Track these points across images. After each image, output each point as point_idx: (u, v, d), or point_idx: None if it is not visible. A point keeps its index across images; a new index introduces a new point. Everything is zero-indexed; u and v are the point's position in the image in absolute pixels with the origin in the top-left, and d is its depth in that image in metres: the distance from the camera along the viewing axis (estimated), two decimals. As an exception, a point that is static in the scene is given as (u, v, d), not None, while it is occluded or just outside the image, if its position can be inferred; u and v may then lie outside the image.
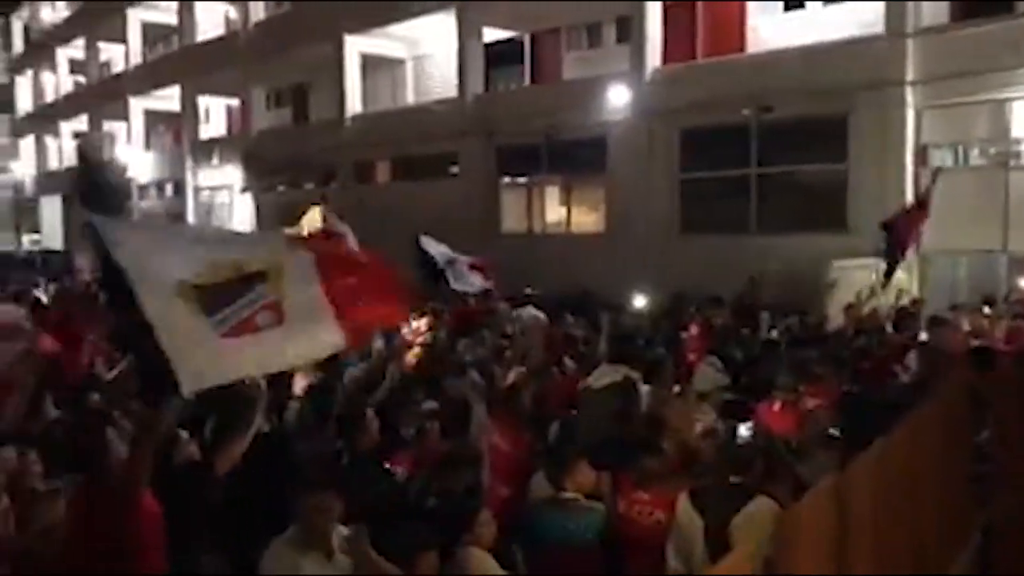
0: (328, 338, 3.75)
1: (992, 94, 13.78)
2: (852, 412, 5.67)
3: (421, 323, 9.15)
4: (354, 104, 25.11)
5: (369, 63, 25.19)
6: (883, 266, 10.04)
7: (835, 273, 12.53)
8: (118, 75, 36.85)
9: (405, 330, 8.34)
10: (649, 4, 18.20)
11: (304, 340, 3.67)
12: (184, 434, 4.62)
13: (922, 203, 10.80)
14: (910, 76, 14.60)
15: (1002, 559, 3.29)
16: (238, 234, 5.69)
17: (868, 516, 2.36)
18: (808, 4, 17.81)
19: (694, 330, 9.68)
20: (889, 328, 9.40)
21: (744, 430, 4.90)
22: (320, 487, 3.89)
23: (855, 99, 14.95)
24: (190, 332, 3.35)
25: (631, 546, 4.52)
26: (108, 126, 39.23)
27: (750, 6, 18.55)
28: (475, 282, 10.31)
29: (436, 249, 10.33)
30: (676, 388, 7.12)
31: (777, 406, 6.48)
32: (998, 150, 14.30)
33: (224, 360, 3.41)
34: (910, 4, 14.66)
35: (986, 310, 10.46)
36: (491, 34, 22.33)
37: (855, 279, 11.26)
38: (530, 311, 11.33)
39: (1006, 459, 3.62)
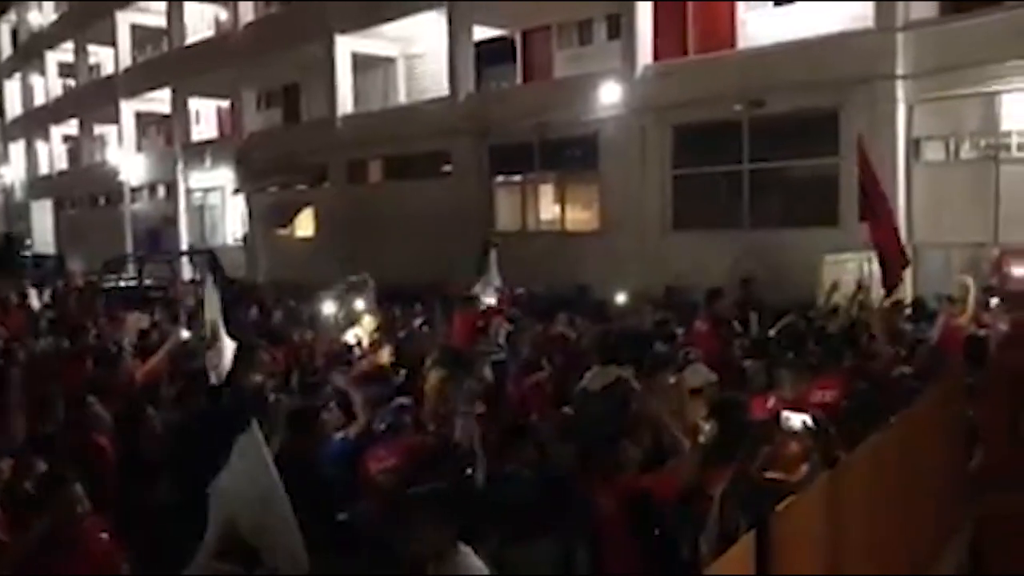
0: None
1: (982, 87, 13.83)
2: (862, 406, 5.68)
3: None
4: (345, 104, 25.08)
5: (360, 63, 25.16)
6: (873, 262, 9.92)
7: (827, 267, 12.57)
8: (108, 78, 36.73)
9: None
10: (639, 1, 18.21)
11: None
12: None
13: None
14: (900, 70, 14.64)
15: (992, 552, 3.31)
16: None
17: (861, 513, 2.38)
18: (798, -1, 17.85)
19: (702, 326, 9.56)
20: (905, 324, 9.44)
21: (797, 420, 4.85)
22: None
23: (846, 93, 14.98)
24: None
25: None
26: (98, 129, 39.15)
27: (740, 1, 18.57)
28: None
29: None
30: (672, 380, 7.15)
31: (771, 401, 6.49)
32: (988, 143, 14.35)
33: None
34: (900, -3, 14.71)
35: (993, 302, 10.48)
36: (482, 32, 22.32)
37: (847, 272, 11.30)
38: None
39: (997, 451, 3.64)
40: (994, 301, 10.46)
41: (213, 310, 7.37)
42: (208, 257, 6.84)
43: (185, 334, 9.01)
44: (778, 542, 1.93)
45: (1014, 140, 14.04)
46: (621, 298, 12.87)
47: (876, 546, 2.52)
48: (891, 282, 8.92)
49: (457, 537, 3.73)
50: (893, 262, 8.81)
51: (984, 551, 3.22)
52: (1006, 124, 14.02)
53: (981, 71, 13.58)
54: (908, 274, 13.81)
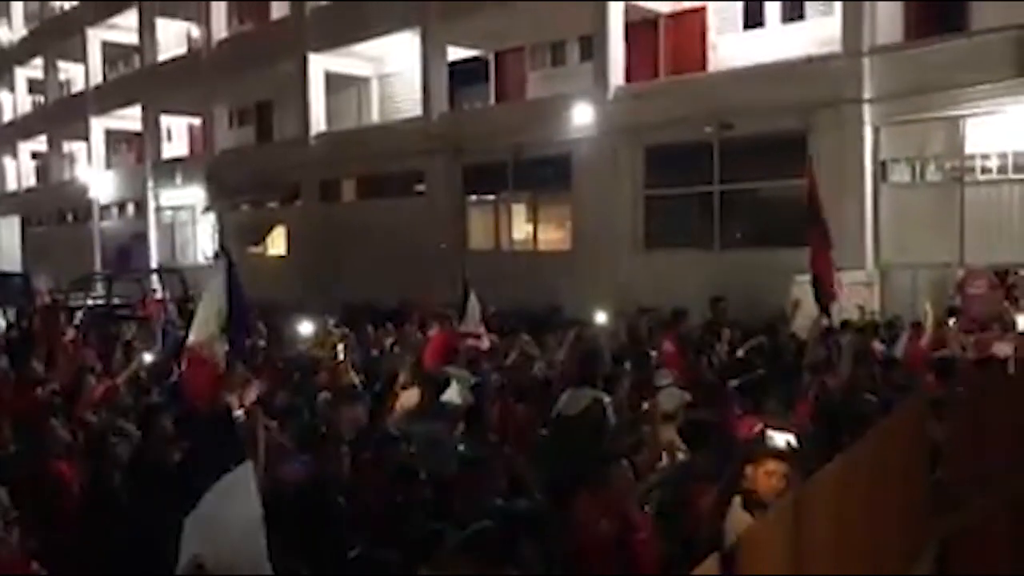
0: None
1: (946, 111, 14.09)
2: (824, 425, 5.75)
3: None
4: (318, 123, 25.04)
5: (333, 81, 25.15)
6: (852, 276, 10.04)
7: (797, 288, 12.69)
8: (78, 94, 36.42)
9: None
10: (612, 22, 18.39)
11: None
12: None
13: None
14: (867, 94, 14.88)
15: (959, 567, 3.35)
16: None
17: (828, 532, 2.39)
18: (767, 22, 18.12)
19: (668, 347, 9.59)
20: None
21: (780, 440, 4.87)
22: None
23: (814, 116, 15.19)
24: None
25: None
26: (68, 146, 38.76)
27: (711, 24, 18.82)
28: None
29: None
30: (644, 405, 7.16)
31: (759, 427, 6.53)
32: (953, 166, 14.60)
33: None
34: (866, 22, 14.97)
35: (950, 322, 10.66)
36: (456, 53, 22.42)
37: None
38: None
39: (963, 467, 3.69)
40: (951, 321, 10.66)
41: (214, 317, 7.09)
42: (225, 261, 6.59)
43: (148, 357, 8.90)
44: (744, 562, 1.93)
45: (978, 163, 14.30)
46: (600, 318, 12.90)
47: (843, 564, 2.53)
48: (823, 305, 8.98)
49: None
50: (824, 293, 8.91)
51: (949, 568, 3.26)
52: (970, 148, 14.27)
53: (945, 96, 13.84)
54: (875, 294, 14.10)
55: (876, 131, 14.98)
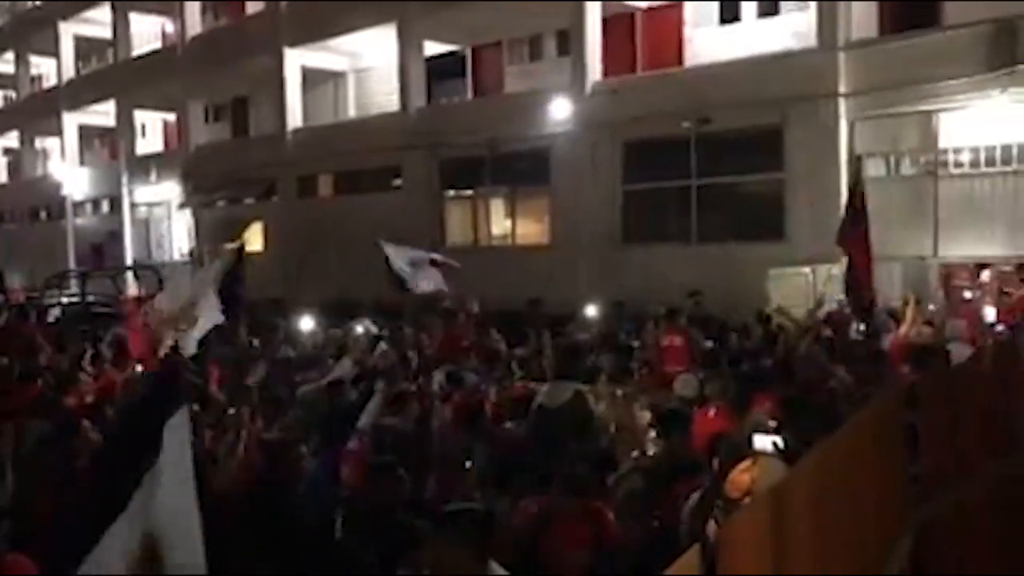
0: None
1: (920, 106, 14.23)
2: (793, 417, 5.79)
3: None
4: (295, 118, 24.88)
5: (310, 76, 25.01)
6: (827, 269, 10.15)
7: (772, 280, 12.78)
8: (50, 89, 35.98)
9: None
10: (589, 17, 18.41)
11: None
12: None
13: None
14: (843, 88, 15.00)
15: (931, 558, 3.38)
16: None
17: (806, 523, 2.41)
18: (743, 17, 18.20)
19: (677, 341, 9.68)
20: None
21: (767, 442, 4.92)
22: None
23: (790, 111, 15.30)
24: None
25: None
26: (40, 142, 38.28)
27: (687, 19, 18.88)
28: (438, 280, 10.06)
29: (397, 253, 10.00)
30: (619, 392, 7.23)
31: (712, 412, 6.61)
32: (927, 160, 14.74)
33: None
34: (841, 17, 15.08)
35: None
36: (433, 47, 22.35)
37: (791, 285, 11.50)
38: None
39: (937, 459, 3.73)
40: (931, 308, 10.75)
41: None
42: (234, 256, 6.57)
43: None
44: (724, 555, 1.94)
45: (951, 157, 14.45)
46: (588, 311, 12.93)
47: (822, 555, 2.55)
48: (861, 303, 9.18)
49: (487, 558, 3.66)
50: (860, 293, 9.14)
51: (924, 558, 3.29)
52: (943, 142, 14.42)
53: (919, 90, 13.98)
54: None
55: (851, 125, 15.10)
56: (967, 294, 12.06)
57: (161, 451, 3.26)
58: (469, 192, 21.43)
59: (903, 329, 9.54)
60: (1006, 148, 13.81)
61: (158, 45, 30.70)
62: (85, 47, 33.93)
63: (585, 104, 18.19)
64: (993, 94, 13.41)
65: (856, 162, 10.50)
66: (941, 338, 9.01)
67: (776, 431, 5.19)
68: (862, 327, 10.10)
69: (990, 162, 14.02)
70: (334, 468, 5.78)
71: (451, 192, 21.74)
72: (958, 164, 14.40)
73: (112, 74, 31.53)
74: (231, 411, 6.32)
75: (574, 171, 18.46)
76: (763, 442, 4.49)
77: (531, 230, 20.45)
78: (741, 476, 3.99)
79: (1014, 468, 4.13)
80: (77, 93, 33.40)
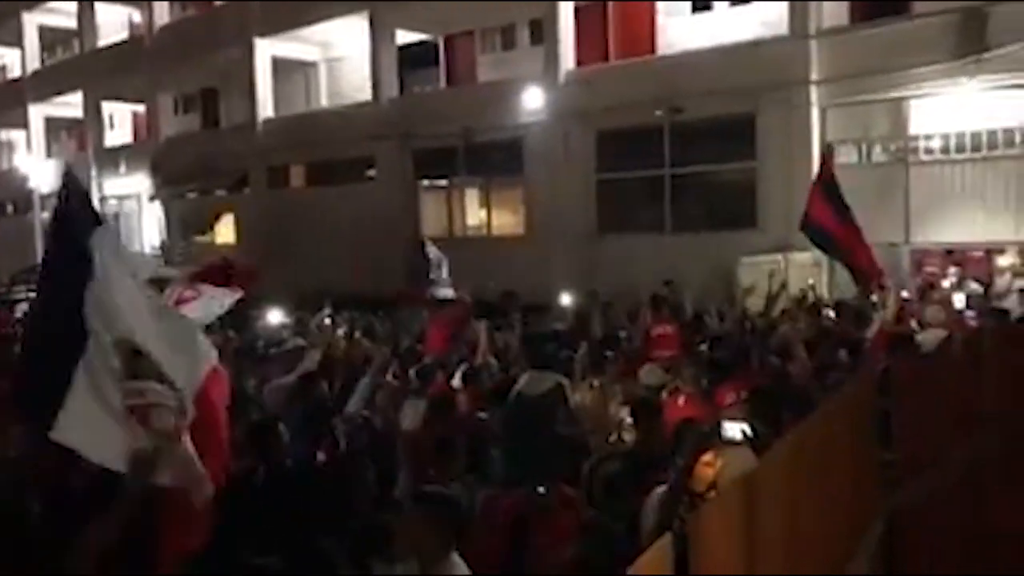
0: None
1: (890, 93, 14.31)
2: (764, 404, 5.80)
3: None
4: (266, 108, 24.64)
5: (280, 66, 24.75)
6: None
7: (743, 268, 12.82)
8: (15, 81, 35.37)
9: None
10: (561, 6, 18.35)
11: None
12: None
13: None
14: (814, 76, 15.06)
15: (903, 545, 3.39)
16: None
17: (779, 510, 2.40)
18: (715, 5, 18.22)
19: (669, 329, 9.66)
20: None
21: (736, 430, 4.89)
22: None
23: (762, 99, 15.34)
24: (102, 384, 3.29)
25: None
26: (6, 134, 37.65)
27: (659, 8, 18.86)
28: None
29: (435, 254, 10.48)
30: (595, 382, 7.22)
31: (682, 400, 6.61)
32: (898, 147, 14.85)
33: (105, 433, 3.31)
34: (812, 6, 15.13)
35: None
36: (404, 36, 22.19)
37: (763, 273, 11.52)
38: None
39: (909, 445, 3.74)
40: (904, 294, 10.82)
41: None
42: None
43: None
44: (695, 546, 1.92)
45: (921, 144, 14.56)
46: (564, 301, 12.92)
47: (794, 542, 2.54)
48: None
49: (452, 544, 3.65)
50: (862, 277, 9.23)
51: (896, 544, 3.30)
52: (914, 128, 14.53)
53: (889, 77, 14.06)
54: (824, 275, 14.30)
55: (823, 113, 15.17)
56: (943, 282, 12.17)
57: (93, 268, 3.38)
58: (443, 182, 21.33)
59: (886, 316, 9.58)
60: (976, 135, 13.93)
61: (125, 35, 30.25)
62: (50, 37, 33.37)
63: (558, 93, 18.14)
64: (962, 81, 13.51)
65: (827, 150, 10.43)
66: (915, 325, 9.06)
67: (748, 419, 5.18)
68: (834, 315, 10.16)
69: (960, 149, 14.14)
70: (311, 461, 5.71)
71: (425, 182, 21.63)
72: (928, 151, 14.51)
73: (79, 65, 31.03)
74: None
75: (548, 161, 18.42)
76: (732, 430, 4.47)
77: (506, 220, 20.40)
78: (704, 470, 3.97)
79: (984, 452, 4.16)
80: (42, 84, 32.87)
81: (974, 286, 11.71)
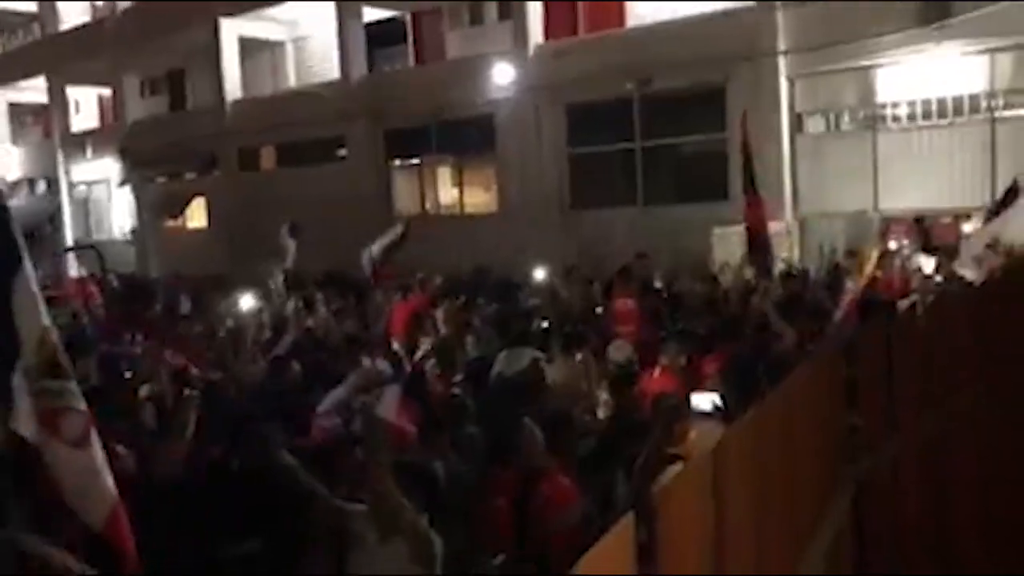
0: None
1: (858, 62, 14.39)
2: (738, 374, 5.87)
3: None
4: (234, 89, 24.33)
5: (247, 47, 24.43)
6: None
7: (716, 239, 12.90)
8: (-24, 67, 34.68)
9: None
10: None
11: None
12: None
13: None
14: (782, 46, 15.09)
15: (872, 511, 3.47)
16: None
17: (744, 483, 2.44)
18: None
19: (630, 303, 9.62)
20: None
21: (705, 401, 4.95)
22: None
23: (731, 69, 15.37)
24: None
25: None
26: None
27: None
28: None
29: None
30: (579, 357, 7.26)
31: (657, 372, 6.68)
32: (866, 115, 14.95)
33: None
34: (779, -25, 15.13)
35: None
36: (372, 14, 21.96)
37: (735, 245, 11.63)
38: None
39: (874, 412, 3.81)
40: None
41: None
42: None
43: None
44: (663, 517, 1.96)
45: (889, 112, 14.68)
46: (537, 275, 12.91)
47: (761, 513, 2.59)
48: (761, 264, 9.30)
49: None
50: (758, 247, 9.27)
51: (863, 512, 3.37)
52: (881, 96, 14.63)
53: (856, 47, 14.13)
54: (795, 244, 14.43)
55: (791, 83, 15.23)
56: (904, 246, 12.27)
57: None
58: (415, 161, 21.22)
59: (861, 283, 9.68)
60: (941, 102, 14.05)
61: (87, 18, 29.71)
62: (11, 21, 32.70)
63: (528, 68, 18.06)
64: (927, 47, 13.61)
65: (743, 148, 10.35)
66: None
67: (720, 390, 5.26)
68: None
69: (927, 115, 14.26)
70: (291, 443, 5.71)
71: (397, 161, 21.51)
72: (896, 118, 14.63)
73: (40, 49, 30.46)
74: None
75: (519, 137, 18.38)
76: (703, 401, 4.55)
77: (479, 198, 20.36)
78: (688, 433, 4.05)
79: (949, 419, 4.24)
80: (3, 69, 32.22)
81: (923, 258, 11.76)
